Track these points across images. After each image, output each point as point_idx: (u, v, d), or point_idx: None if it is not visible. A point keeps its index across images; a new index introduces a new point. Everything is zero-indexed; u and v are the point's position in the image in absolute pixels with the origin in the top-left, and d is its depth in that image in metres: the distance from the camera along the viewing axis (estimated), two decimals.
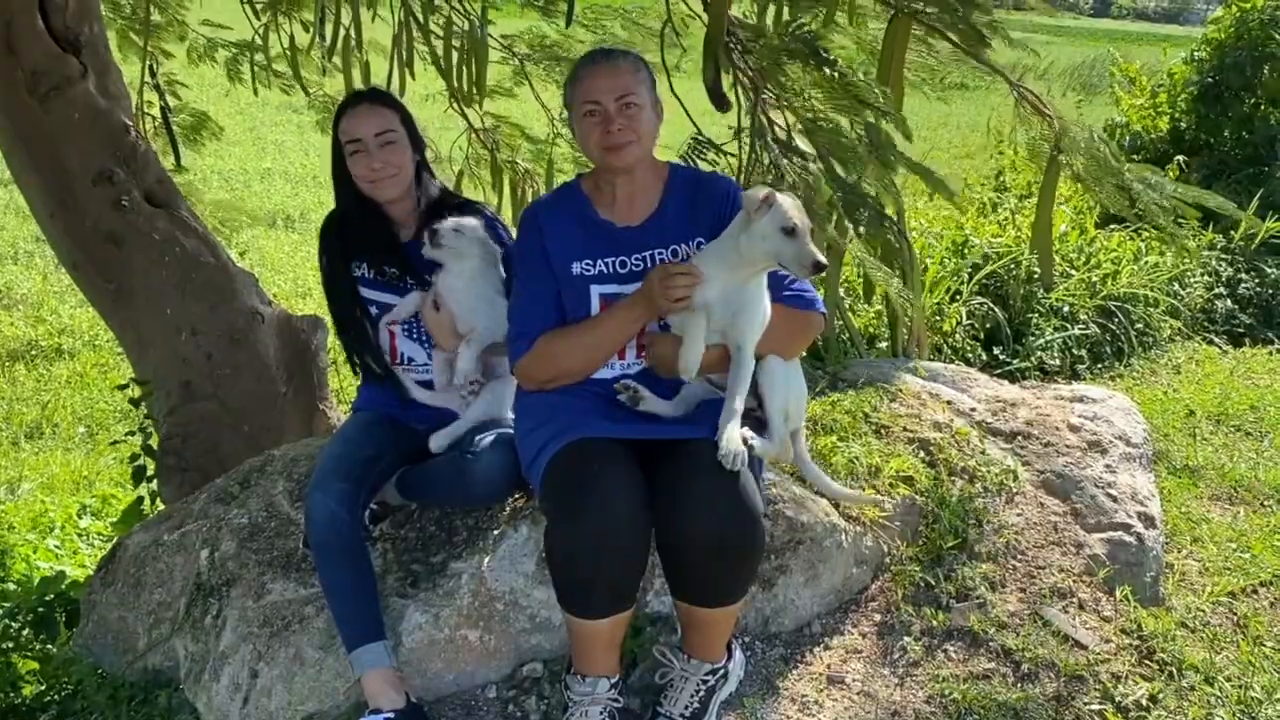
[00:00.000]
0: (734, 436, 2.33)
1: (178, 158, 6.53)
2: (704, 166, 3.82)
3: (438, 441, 2.78)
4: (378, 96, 2.91)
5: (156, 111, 6.40)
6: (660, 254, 2.55)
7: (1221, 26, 9.26)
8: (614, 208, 2.60)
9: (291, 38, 6.16)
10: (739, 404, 2.39)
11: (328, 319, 3.24)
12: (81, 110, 3.83)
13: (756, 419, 2.53)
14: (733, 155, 3.90)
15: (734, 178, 3.79)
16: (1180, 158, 8.41)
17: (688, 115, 3.92)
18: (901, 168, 3.75)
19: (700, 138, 3.80)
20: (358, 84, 5.43)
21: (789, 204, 2.39)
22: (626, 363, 2.57)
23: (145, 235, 3.94)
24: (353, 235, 2.91)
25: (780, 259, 2.38)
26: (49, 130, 3.80)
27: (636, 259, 2.56)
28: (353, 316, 2.92)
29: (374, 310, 2.90)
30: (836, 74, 3.50)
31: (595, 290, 2.55)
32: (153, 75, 6.20)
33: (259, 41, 6.19)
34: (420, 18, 5.14)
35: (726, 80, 3.64)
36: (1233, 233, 7.59)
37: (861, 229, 3.58)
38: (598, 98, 2.49)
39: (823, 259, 2.37)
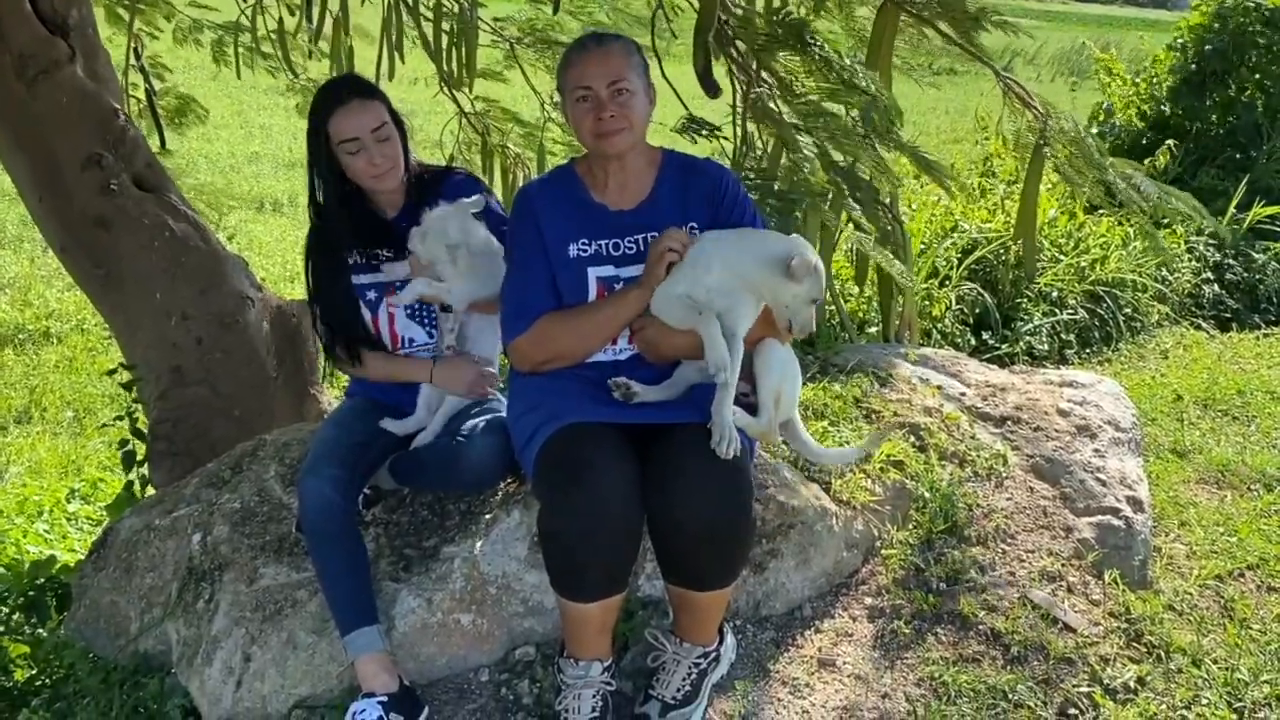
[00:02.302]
0: (727, 422, 2.34)
1: (162, 140, 6.49)
2: (699, 143, 3.82)
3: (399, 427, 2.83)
4: (362, 89, 2.81)
5: (141, 94, 6.36)
6: (654, 237, 2.55)
7: (1203, 12, 9.27)
8: (607, 192, 2.60)
9: (280, 21, 6.13)
10: (733, 387, 2.40)
11: None
12: (70, 94, 3.80)
13: (749, 404, 2.54)
14: (726, 139, 3.90)
15: (727, 162, 3.80)
16: (1170, 142, 8.42)
17: (679, 99, 3.92)
18: (896, 150, 3.76)
19: (693, 117, 3.79)
20: (343, 68, 5.42)
21: (823, 275, 2.47)
22: (618, 348, 2.57)
23: (134, 220, 3.91)
24: (345, 228, 2.86)
25: (792, 315, 2.45)
26: (37, 115, 3.77)
27: (630, 242, 2.57)
28: (339, 304, 2.90)
29: (371, 295, 2.87)
30: (824, 59, 3.49)
31: (592, 272, 2.56)
32: (137, 57, 6.16)
33: (245, 23, 6.16)
34: (410, 0, 5.12)
35: (719, 67, 3.64)
36: (1220, 218, 7.62)
37: (857, 212, 3.59)
38: (590, 83, 2.49)
39: (813, 329, 2.53)
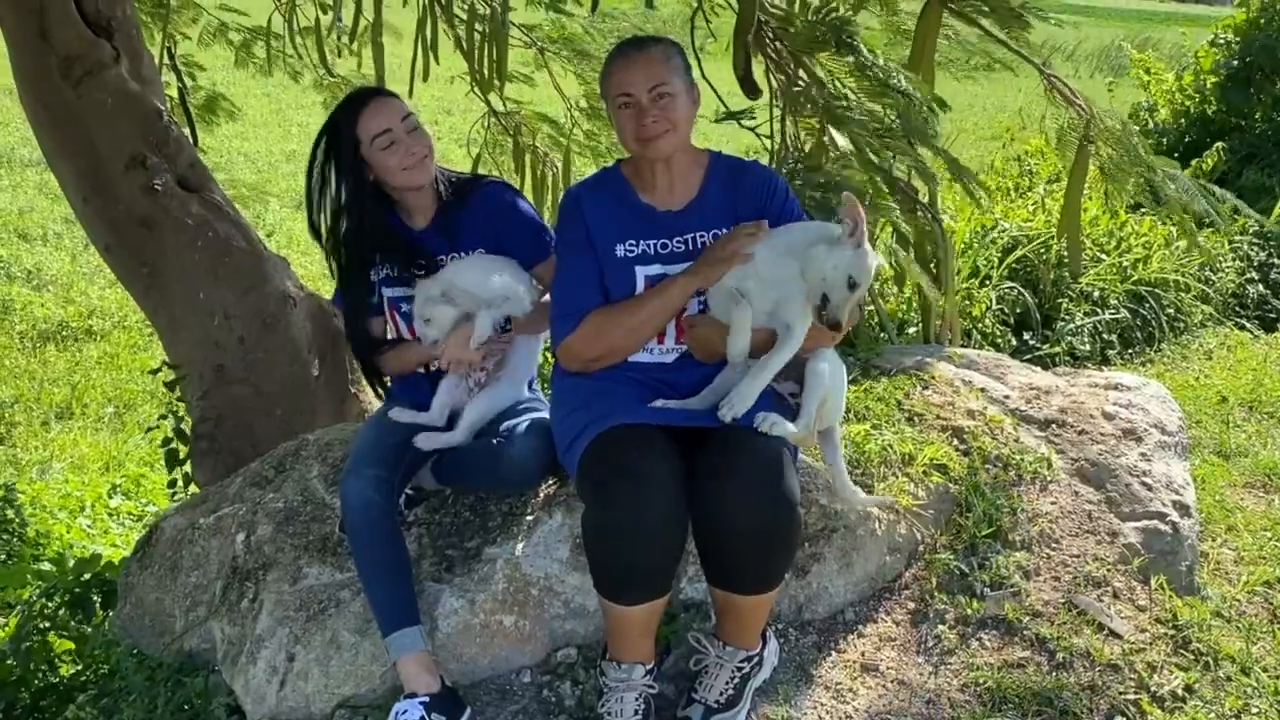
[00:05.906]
0: (746, 399, 2.37)
1: (195, 139, 6.56)
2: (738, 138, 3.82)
3: (429, 443, 2.78)
4: (380, 92, 2.85)
5: (173, 92, 6.42)
6: (702, 236, 2.56)
7: (1249, 6, 9.13)
8: (655, 192, 2.60)
9: (316, 20, 6.19)
10: (768, 375, 2.41)
11: None
12: (114, 95, 3.84)
13: (795, 405, 2.52)
14: (767, 134, 3.89)
15: (766, 161, 3.78)
16: (1220, 144, 8.28)
17: (719, 98, 3.90)
18: (930, 151, 3.73)
19: (729, 110, 3.78)
20: (370, 67, 5.46)
21: (871, 263, 2.41)
22: (665, 347, 2.57)
23: (178, 219, 3.96)
24: (376, 240, 2.86)
25: (829, 291, 2.39)
26: (82, 115, 3.82)
27: (679, 241, 2.57)
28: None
29: (405, 306, 2.86)
30: (862, 60, 3.47)
31: (640, 271, 2.56)
32: (170, 57, 6.22)
33: (279, 22, 6.24)
34: (444, 1, 5.15)
35: (757, 67, 3.63)
36: (1267, 217, 7.50)
37: (895, 214, 3.56)
38: (630, 90, 2.49)
39: (843, 322, 2.42)
